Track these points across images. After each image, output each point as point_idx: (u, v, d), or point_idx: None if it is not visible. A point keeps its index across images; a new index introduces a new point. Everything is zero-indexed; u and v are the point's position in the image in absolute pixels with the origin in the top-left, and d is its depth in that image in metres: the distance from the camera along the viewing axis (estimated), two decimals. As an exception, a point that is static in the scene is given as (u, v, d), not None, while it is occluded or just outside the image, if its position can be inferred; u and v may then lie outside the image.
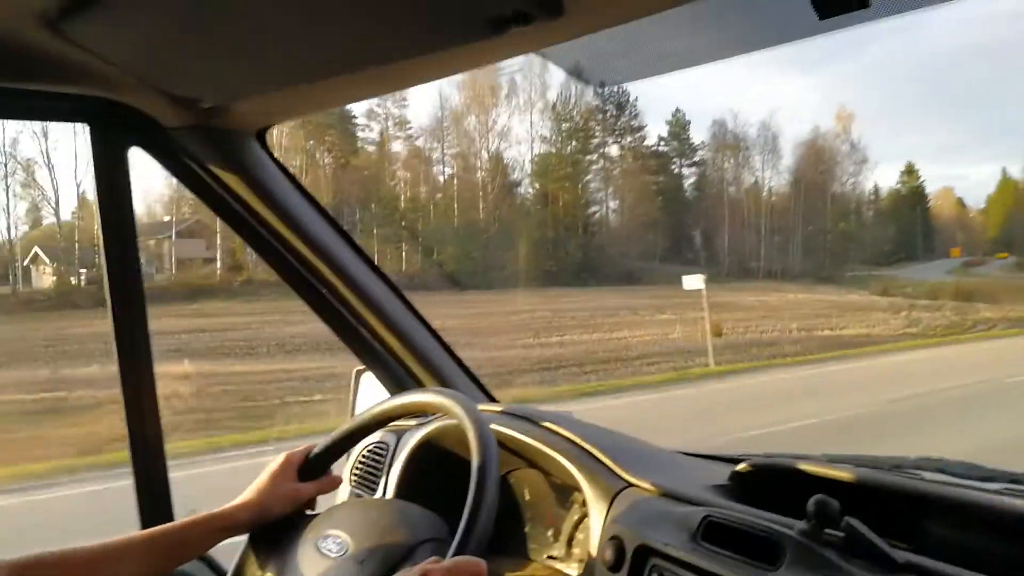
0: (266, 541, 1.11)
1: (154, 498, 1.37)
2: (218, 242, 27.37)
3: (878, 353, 16.32)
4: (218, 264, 28.07)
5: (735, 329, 19.75)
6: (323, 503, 1.20)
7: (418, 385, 1.55)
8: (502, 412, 1.30)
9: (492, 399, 1.58)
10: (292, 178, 1.39)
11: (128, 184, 1.34)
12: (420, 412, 1.21)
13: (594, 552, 1.04)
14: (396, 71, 1.11)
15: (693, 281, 15.80)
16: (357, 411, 1.69)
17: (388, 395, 1.58)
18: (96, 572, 1.03)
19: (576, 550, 1.18)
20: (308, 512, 1.17)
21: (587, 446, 1.13)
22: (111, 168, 1.32)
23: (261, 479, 1.17)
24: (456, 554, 0.89)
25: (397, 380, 1.56)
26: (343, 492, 1.45)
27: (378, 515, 1.06)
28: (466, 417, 1.00)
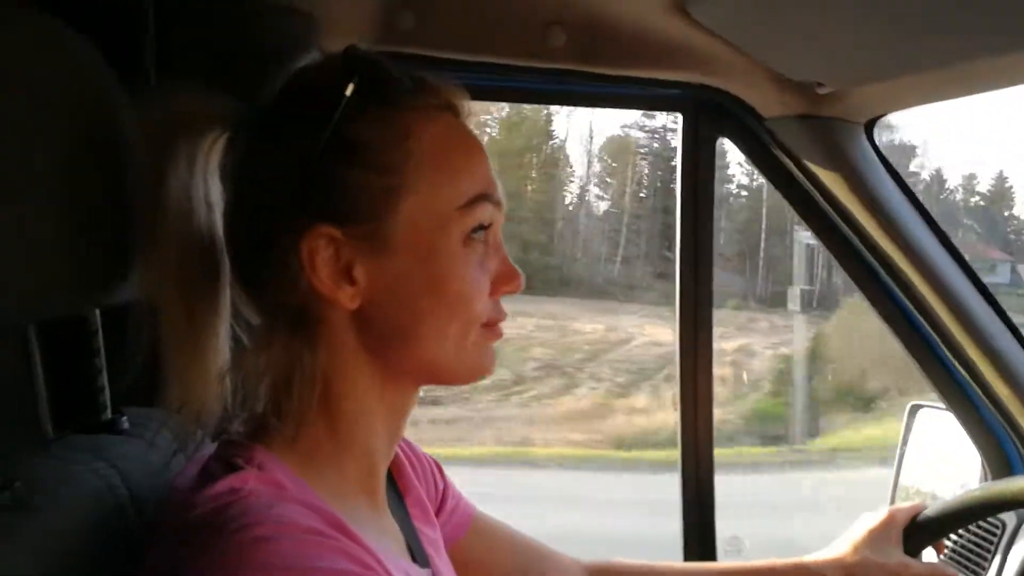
0: None
1: (699, 500, 1.30)
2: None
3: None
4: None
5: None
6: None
7: (1021, 439, 1.23)
8: None
9: None
10: (898, 177, 1.18)
11: (712, 176, 1.28)
12: None
13: None
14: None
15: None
16: (908, 454, 1.43)
17: (970, 447, 1.30)
18: None
19: None
20: None
21: None
22: (698, 158, 1.26)
23: (858, 534, 0.99)
24: None
25: (990, 433, 1.26)
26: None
27: None
28: None
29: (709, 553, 1.32)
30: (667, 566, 1.00)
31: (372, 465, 0.67)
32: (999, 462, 1.26)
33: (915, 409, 1.42)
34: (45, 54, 0.57)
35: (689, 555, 1.33)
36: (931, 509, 0.98)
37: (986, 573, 1.10)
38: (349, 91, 0.60)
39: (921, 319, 1.25)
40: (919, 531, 0.97)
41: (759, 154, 1.23)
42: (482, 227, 0.64)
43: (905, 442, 1.43)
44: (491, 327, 0.66)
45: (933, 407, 1.37)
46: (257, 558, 0.50)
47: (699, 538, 1.31)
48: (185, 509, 0.56)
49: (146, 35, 0.86)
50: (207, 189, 0.62)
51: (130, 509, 0.65)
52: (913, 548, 0.97)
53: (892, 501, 1.39)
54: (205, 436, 0.65)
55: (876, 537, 0.97)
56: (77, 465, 0.64)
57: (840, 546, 0.98)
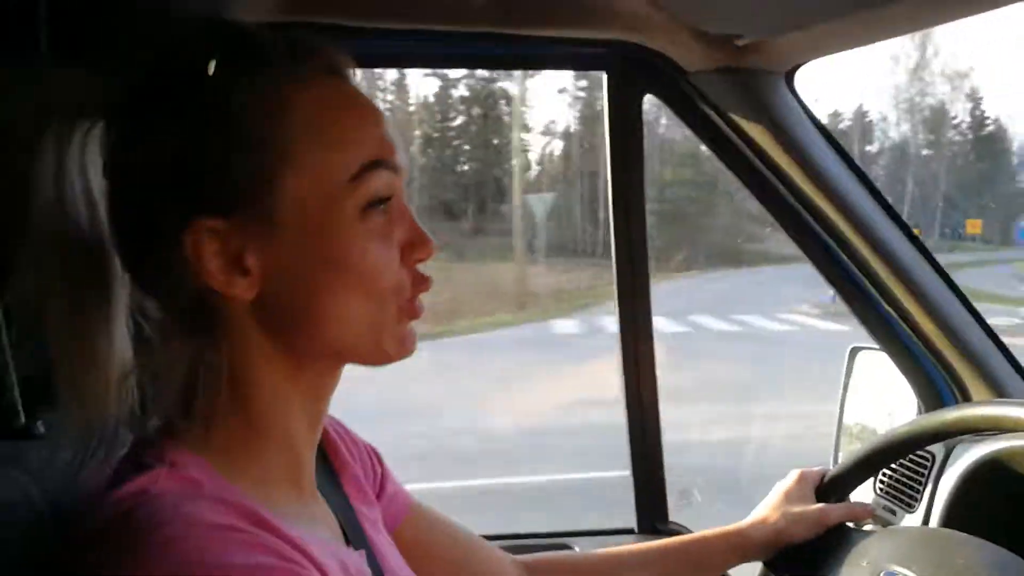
0: (791, 559, 0.97)
1: (648, 464, 1.32)
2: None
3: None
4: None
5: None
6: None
7: (950, 375, 1.26)
8: None
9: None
10: (821, 126, 1.19)
11: (640, 133, 1.28)
12: (997, 429, 0.94)
13: None
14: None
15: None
16: (850, 395, 1.47)
17: (907, 385, 1.33)
18: None
19: None
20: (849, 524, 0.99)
21: None
22: (625, 116, 1.26)
23: (773, 497, 1.04)
24: None
25: (919, 366, 1.29)
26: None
27: (966, 561, 0.84)
28: None
29: (661, 508, 1.36)
30: (602, 552, 1.01)
31: (295, 452, 0.65)
32: (932, 398, 1.29)
33: (855, 351, 1.45)
34: None
35: (641, 511, 1.36)
36: (840, 465, 1.03)
37: (918, 504, 1.14)
38: (212, 67, 0.56)
39: (852, 265, 1.26)
40: (830, 485, 1.02)
41: (684, 109, 1.23)
42: (380, 198, 0.60)
43: (846, 384, 1.46)
44: (409, 304, 0.63)
45: (871, 348, 1.40)
46: (168, 559, 0.49)
47: (650, 496, 1.34)
48: (93, 512, 0.54)
49: (36, 14, 0.82)
50: (86, 182, 0.58)
51: (48, 518, 0.63)
52: (825, 500, 1.02)
53: (836, 440, 1.43)
54: (124, 437, 0.64)
55: (792, 495, 1.02)
56: None
57: (761, 510, 1.01)
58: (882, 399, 1.41)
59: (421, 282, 0.64)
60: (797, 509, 0.98)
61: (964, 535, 0.93)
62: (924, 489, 1.14)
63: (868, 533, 0.97)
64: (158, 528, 0.50)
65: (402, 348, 0.64)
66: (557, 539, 1.30)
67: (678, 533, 1.33)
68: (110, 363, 0.58)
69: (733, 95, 1.17)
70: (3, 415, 0.70)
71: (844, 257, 1.26)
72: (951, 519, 1.08)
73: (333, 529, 0.69)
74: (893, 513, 1.18)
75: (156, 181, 0.57)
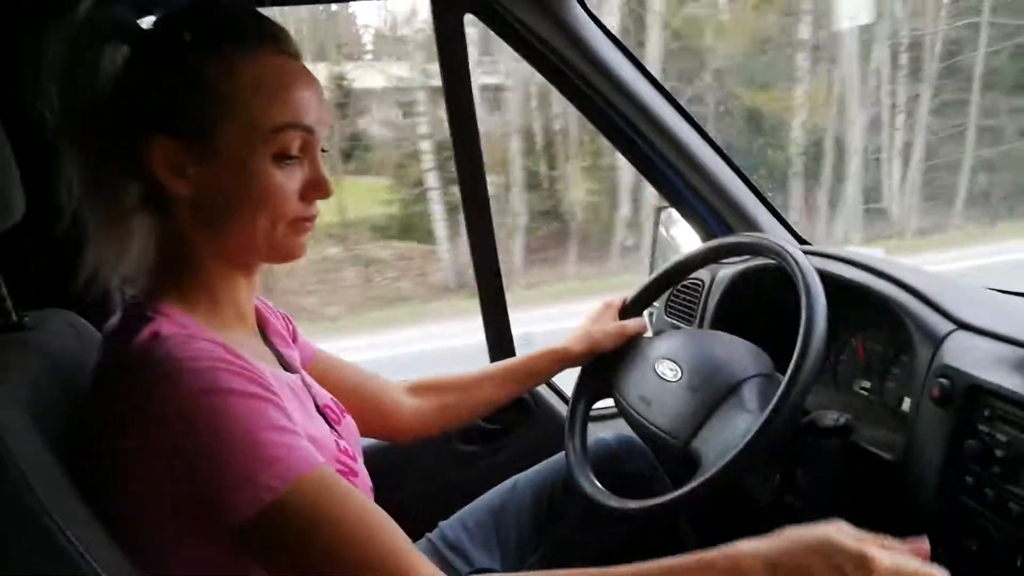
0: (600, 364, 1.31)
1: (500, 336, 1.65)
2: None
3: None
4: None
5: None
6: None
7: (723, 224, 1.62)
8: (815, 253, 1.35)
9: (803, 241, 1.62)
10: (608, 32, 1.46)
11: (465, 50, 1.48)
12: (739, 254, 1.29)
13: (916, 388, 1.07)
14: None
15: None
16: (658, 247, 1.81)
17: (692, 233, 1.68)
18: (467, 393, 1.29)
19: (890, 384, 1.24)
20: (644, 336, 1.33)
21: (914, 286, 1.15)
22: (451, 36, 1.47)
23: (585, 321, 1.36)
24: (786, 391, 0.98)
25: (701, 219, 1.64)
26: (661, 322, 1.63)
27: (708, 347, 1.20)
28: (792, 262, 1.08)
29: (510, 352, 1.69)
30: (466, 372, 1.31)
31: (240, 307, 0.90)
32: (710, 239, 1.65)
33: (658, 210, 1.80)
34: None
35: (494, 357, 1.69)
36: (635, 292, 1.36)
37: (695, 319, 1.52)
38: (187, 37, 0.79)
39: (645, 146, 1.57)
40: (630, 307, 1.36)
41: (501, 28, 1.46)
42: (290, 155, 0.82)
43: (654, 238, 1.81)
44: (297, 223, 0.86)
45: (669, 207, 1.74)
46: (190, 381, 0.70)
47: (500, 343, 1.67)
48: (120, 356, 0.75)
49: None
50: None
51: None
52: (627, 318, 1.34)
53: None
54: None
55: (600, 317, 1.35)
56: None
57: (577, 330, 1.33)
58: (679, 246, 1.77)
59: (308, 212, 0.87)
60: (604, 326, 1.31)
61: (717, 331, 1.29)
62: (698, 307, 1.51)
63: (653, 338, 1.31)
64: (178, 360, 0.72)
65: (290, 255, 0.88)
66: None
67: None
68: (131, 239, 0.84)
69: (536, 14, 1.41)
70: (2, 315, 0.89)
71: (637, 139, 1.57)
72: (715, 325, 1.46)
73: (273, 360, 0.94)
74: (679, 328, 1.55)
75: (139, 101, 0.80)
